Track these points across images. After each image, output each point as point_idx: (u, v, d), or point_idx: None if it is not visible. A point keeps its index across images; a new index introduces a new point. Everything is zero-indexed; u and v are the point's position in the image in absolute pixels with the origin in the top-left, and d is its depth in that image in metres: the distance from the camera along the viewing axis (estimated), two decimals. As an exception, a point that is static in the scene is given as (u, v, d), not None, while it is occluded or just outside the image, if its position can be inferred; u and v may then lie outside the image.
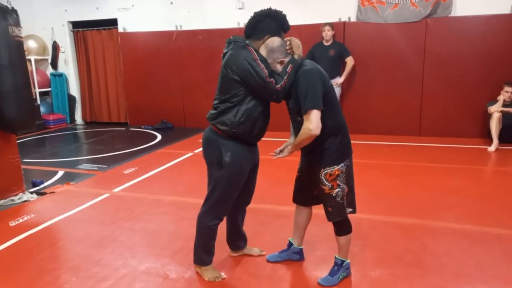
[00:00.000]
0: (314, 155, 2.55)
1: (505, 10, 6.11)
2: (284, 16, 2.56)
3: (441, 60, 6.49)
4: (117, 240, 3.40)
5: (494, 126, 5.78)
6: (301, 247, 2.96)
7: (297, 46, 2.53)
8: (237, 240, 3.03)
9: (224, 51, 2.60)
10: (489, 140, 6.01)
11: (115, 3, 8.31)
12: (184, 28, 7.91)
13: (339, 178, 2.50)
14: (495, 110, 5.82)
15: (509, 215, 3.66)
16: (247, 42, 2.52)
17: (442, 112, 6.64)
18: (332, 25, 6.52)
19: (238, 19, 7.52)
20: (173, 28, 7.98)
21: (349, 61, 6.61)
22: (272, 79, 2.41)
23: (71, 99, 9.12)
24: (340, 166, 2.50)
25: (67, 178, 5.06)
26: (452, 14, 6.39)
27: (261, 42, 2.53)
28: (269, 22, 2.51)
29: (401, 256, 3.00)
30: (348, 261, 2.73)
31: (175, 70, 8.08)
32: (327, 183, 2.51)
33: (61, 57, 8.99)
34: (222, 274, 2.80)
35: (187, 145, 6.76)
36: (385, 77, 6.80)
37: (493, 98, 6.05)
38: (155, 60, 8.15)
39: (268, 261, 2.98)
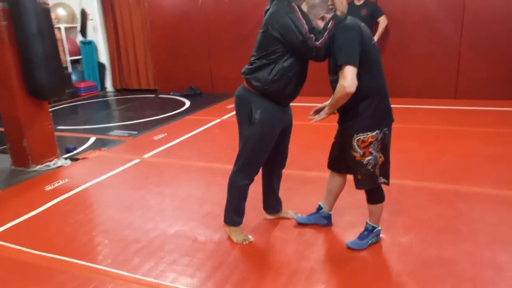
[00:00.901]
0: (348, 119, 2.47)
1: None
2: None
3: (481, 18, 6.10)
4: (147, 204, 3.47)
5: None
6: (330, 213, 2.93)
7: (340, 2, 2.39)
8: (274, 203, 3.05)
9: (266, 7, 2.56)
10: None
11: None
12: (211, -8, 7.76)
13: (372, 145, 2.40)
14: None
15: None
16: None
17: (481, 73, 6.31)
18: None
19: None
20: (200, -8, 7.84)
21: (382, 20, 6.33)
22: (312, 35, 2.35)
23: (101, 66, 9.22)
24: (375, 133, 2.39)
25: (99, 144, 5.18)
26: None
27: (304, 1, 2.46)
28: None
29: (432, 222, 2.93)
30: (379, 227, 2.68)
31: (202, 35, 7.99)
32: (358, 150, 2.42)
33: (89, 25, 9.03)
34: (250, 237, 2.83)
35: (215, 111, 6.75)
36: (419, 38, 6.48)
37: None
38: (182, 25, 8.07)
39: (296, 222, 2.98)
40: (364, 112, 2.38)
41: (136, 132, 5.68)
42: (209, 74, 8.20)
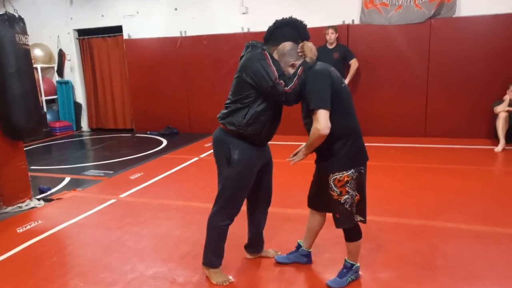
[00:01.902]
0: (324, 159, 2.54)
1: (509, 9, 6.07)
2: (304, 25, 2.58)
3: (446, 61, 6.47)
4: (125, 245, 3.40)
5: (501, 126, 5.74)
6: (309, 250, 2.94)
7: (309, 49, 2.51)
8: (257, 244, 3.04)
9: (242, 54, 2.65)
10: (495, 140, 5.96)
11: (120, 10, 8.37)
12: (189, 33, 7.95)
13: (348, 184, 2.46)
14: (502, 110, 5.78)
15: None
16: (264, 47, 2.57)
17: (447, 113, 6.61)
18: (335, 28, 6.52)
19: (242, 24, 7.56)
20: (177, 34, 8.02)
21: (353, 63, 6.61)
22: (281, 81, 2.42)
23: (77, 106, 9.18)
24: (350, 172, 2.45)
25: (74, 185, 5.08)
26: (456, 15, 6.37)
27: (276, 47, 2.57)
28: (287, 30, 2.55)
29: (410, 258, 2.97)
30: (358, 264, 2.71)
31: (180, 76, 8.12)
32: (335, 189, 2.48)
33: (67, 65, 9.07)
34: (230, 277, 2.80)
35: (192, 150, 6.77)
36: (390, 79, 6.78)
37: (499, 98, 6.01)
38: (160, 66, 8.19)
39: (276, 261, 2.98)
40: (339, 152, 2.45)
41: (112, 172, 5.62)
42: (187, 113, 8.26)
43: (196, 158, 6.18)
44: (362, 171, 2.51)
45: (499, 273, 2.72)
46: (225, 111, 2.64)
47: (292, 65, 2.51)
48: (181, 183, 5.08)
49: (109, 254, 3.25)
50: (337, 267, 2.73)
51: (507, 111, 5.75)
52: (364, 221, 2.61)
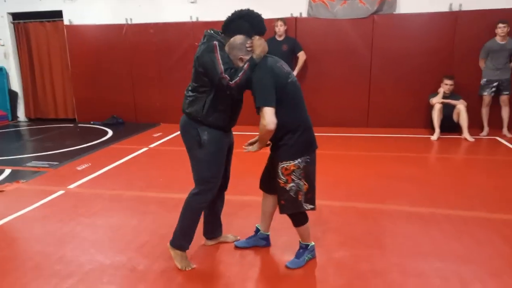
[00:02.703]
0: (275, 148, 2.65)
1: (444, 8, 6.53)
2: (259, 19, 2.61)
3: (387, 55, 6.83)
4: (79, 236, 3.31)
5: (436, 117, 6.19)
6: (267, 233, 3.05)
7: (258, 45, 2.55)
8: (215, 227, 3.09)
9: (200, 43, 2.66)
10: (431, 130, 6.42)
11: (59, -6, 7.95)
12: (135, 21, 7.73)
13: (294, 173, 2.57)
14: (437, 102, 6.22)
15: (455, 197, 3.97)
16: (219, 37, 2.60)
17: (388, 105, 6.99)
18: (284, 21, 6.66)
19: (191, 13, 7.47)
20: (123, 22, 7.76)
21: (301, 56, 6.79)
22: (226, 75, 2.47)
23: (12, 94, 8.63)
24: (296, 161, 2.57)
25: (16, 177, 4.82)
26: (397, 12, 6.73)
27: (229, 39, 2.60)
28: (241, 23, 2.58)
29: (362, 238, 3.18)
30: (313, 243, 2.85)
31: (126, 64, 7.88)
32: (282, 177, 2.59)
33: (0, 50, 8.47)
34: (192, 265, 2.84)
35: (140, 140, 6.64)
36: (335, 72, 7.03)
37: (434, 90, 6.46)
38: (104, 54, 7.90)
39: (236, 247, 3.06)
40: (288, 142, 2.56)
41: (57, 163, 5.38)
42: (132, 103, 8.05)
43: (145, 148, 6.08)
44: (309, 160, 2.61)
45: (441, 250, 2.97)
46: (186, 100, 2.71)
47: (241, 59, 2.56)
48: (132, 173, 4.98)
49: (62, 246, 3.15)
50: (295, 249, 2.86)
51: (441, 102, 6.20)
52: (314, 209, 2.72)
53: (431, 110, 6.40)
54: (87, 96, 8.17)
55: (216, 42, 2.54)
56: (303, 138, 2.59)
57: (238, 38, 2.56)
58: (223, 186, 2.98)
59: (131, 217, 3.68)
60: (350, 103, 7.13)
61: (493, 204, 3.76)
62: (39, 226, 3.52)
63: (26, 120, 8.76)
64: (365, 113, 7.16)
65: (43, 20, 8.20)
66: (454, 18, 6.49)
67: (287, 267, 2.78)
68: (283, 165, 2.57)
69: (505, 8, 6.15)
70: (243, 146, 2.76)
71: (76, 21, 7.98)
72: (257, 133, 2.62)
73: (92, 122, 8.08)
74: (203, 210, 2.92)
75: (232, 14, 2.62)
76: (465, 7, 6.43)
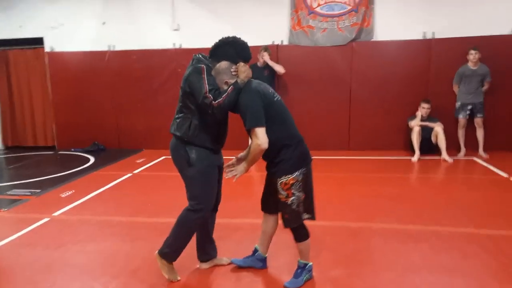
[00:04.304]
0: (271, 166, 2.72)
1: (418, 36, 6.84)
2: (244, 46, 2.76)
3: (366, 80, 7.06)
4: (69, 263, 3.24)
5: (415, 139, 6.39)
6: (265, 256, 3.06)
7: (242, 71, 2.68)
8: (209, 248, 3.08)
9: (188, 66, 2.78)
10: (411, 152, 6.60)
11: (42, 21, 7.93)
12: (118, 48, 7.77)
13: (293, 186, 2.64)
14: (415, 124, 6.44)
15: (440, 214, 4.08)
16: (206, 62, 2.74)
17: (368, 128, 7.17)
18: (270, 52, 6.75)
19: (174, 40, 7.58)
20: (105, 48, 7.80)
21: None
22: (210, 95, 2.58)
23: (-11, 122, 8.44)
24: (294, 175, 2.64)
25: (-3, 205, 4.69)
26: (374, 39, 7.01)
27: (216, 63, 2.73)
28: (227, 49, 2.73)
29: (354, 256, 3.23)
30: (311, 263, 2.88)
31: (108, 91, 7.86)
32: (282, 192, 2.65)
33: (-23, 78, 8.33)
34: (178, 277, 2.89)
35: (124, 166, 6.57)
36: (317, 97, 7.19)
37: (412, 114, 6.68)
38: (86, 80, 7.86)
39: (231, 263, 3.08)
40: (284, 158, 2.64)
41: (39, 190, 5.26)
42: (115, 129, 7.99)
43: (129, 174, 6.02)
44: (306, 172, 2.69)
45: (431, 265, 3.05)
46: (174, 123, 2.80)
47: (226, 83, 2.67)
48: (119, 199, 4.92)
49: (52, 274, 3.08)
50: (292, 269, 2.88)
51: (420, 125, 6.42)
52: (312, 218, 2.79)
53: (410, 133, 6.60)
54: (68, 122, 8.07)
55: (204, 66, 2.69)
56: (298, 152, 2.68)
57: (223, 64, 2.69)
58: (216, 206, 3.00)
59: (122, 242, 3.62)
60: (332, 127, 7.28)
61: (476, 220, 3.89)
62: (25, 254, 3.43)
63: (2, 147, 8.55)
64: (346, 136, 7.32)
65: (24, 47, 8.14)
66: (428, 45, 6.80)
67: (285, 287, 2.79)
68: (282, 181, 2.63)
69: (476, 36, 6.49)
70: (226, 176, 2.77)
71: (58, 48, 7.95)
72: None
73: (73, 149, 7.95)
74: (195, 232, 2.93)
75: (219, 41, 2.77)
76: (437, 35, 6.76)
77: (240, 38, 2.77)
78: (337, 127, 7.29)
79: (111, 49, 7.79)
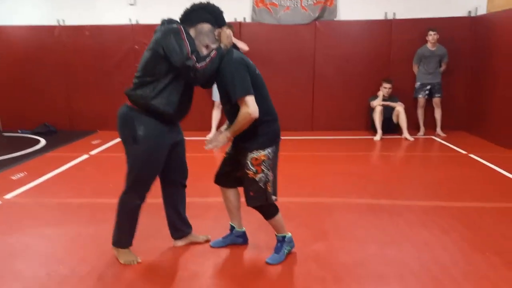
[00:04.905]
0: (242, 139, 2.58)
1: (380, 16, 6.91)
2: (219, 11, 2.60)
3: (329, 60, 7.05)
4: (30, 248, 2.97)
5: (377, 118, 6.48)
6: (243, 230, 2.95)
7: (226, 36, 2.54)
8: (179, 224, 2.92)
9: (156, 29, 2.57)
10: (372, 131, 6.71)
11: (-20, -9, 7.24)
12: (68, 23, 7.24)
13: (264, 163, 2.55)
14: (377, 104, 6.53)
15: (409, 189, 4.19)
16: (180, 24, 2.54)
17: (331, 108, 7.20)
18: (233, 29, 6.55)
19: (130, 15, 7.17)
20: (54, 23, 7.24)
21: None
22: (193, 57, 2.40)
23: None
24: (266, 151, 2.55)
25: None
26: (337, 19, 7.00)
27: (193, 28, 2.56)
28: (203, 13, 2.56)
29: (333, 230, 3.21)
30: (289, 234, 2.79)
31: (59, 69, 7.31)
32: (251, 167, 2.54)
33: None
34: (138, 258, 2.74)
35: (79, 147, 6.18)
36: (279, 76, 7.08)
37: (374, 94, 6.77)
38: (34, 58, 7.25)
39: (211, 247, 2.92)
40: (259, 132, 2.54)
41: (-15, 173, 4.83)
42: (66, 110, 7.49)
43: (86, 156, 5.66)
44: (275, 151, 2.62)
45: (411, 238, 3.08)
46: (132, 86, 2.55)
47: (207, 46, 2.53)
48: (78, 181, 4.60)
49: (14, 260, 2.80)
50: (273, 244, 2.79)
51: (382, 105, 6.52)
52: (276, 200, 2.68)
53: (371, 113, 6.69)
54: (14, 103, 7.45)
55: (180, 26, 2.48)
56: (273, 128, 2.60)
57: (205, 26, 2.54)
58: (181, 182, 2.87)
59: (87, 225, 3.38)
60: (295, 107, 7.24)
61: (444, 194, 4.00)
62: (-22, 240, 3.10)
63: None
64: (310, 117, 7.31)
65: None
66: (389, 25, 6.88)
67: (267, 263, 2.70)
68: (253, 155, 2.53)
69: (434, 17, 6.65)
70: (206, 146, 2.61)
71: (2, 22, 7.29)
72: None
73: (20, 131, 7.38)
74: (136, 215, 2.72)
75: (193, 5, 2.59)
76: (398, 16, 6.86)
77: (213, 4, 2.60)
78: (300, 108, 7.26)
79: (61, 23, 7.25)
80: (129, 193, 2.63)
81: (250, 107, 2.41)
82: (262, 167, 2.54)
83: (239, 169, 2.64)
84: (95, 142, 6.51)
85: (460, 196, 3.95)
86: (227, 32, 2.54)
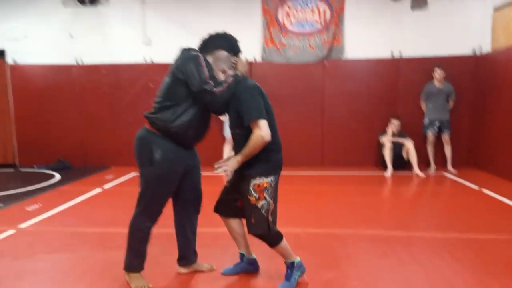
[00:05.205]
0: (246, 166, 2.60)
1: (386, 54, 7.10)
2: (235, 40, 2.75)
3: (338, 98, 7.20)
4: (41, 272, 3.00)
5: (388, 154, 6.52)
6: (253, 257, 2.94)
7: (243, 64, 2.70)
8: (187, 252, 2.93)
9: (176, 57, 2.68)
10: (382, 168, 6.72)
11: (3, 33, 7.62)
12: (86, 62, 7.55)
13: (266, 190, 2.58)
14: (387, 140, 6.58)
15: (425, 222, 4.19)
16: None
17: (340, 145, 7.27)
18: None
19: (144, 54, 7.46)
20: (73, 62, 7.56)
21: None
22: (211, 81, 2.51)
23: None
24: (269, 179, 2.59)
25: (-46, 219, 4.31)
26: (344, 57, 7.21)
27: (210, 55, 2.68)
28: (220, 41, 2.71)
29: (345, 259, 3.19)
30: (298, 259, 2.77)
31: (75, 106, 7.56)
32: (254, 194, 2.57)
33: None
34: (150, 284, 2.72)
35: (93, 181, 6.27)
36: (290, 113, 7.22)
37: (383, 130, 6.84)
38: (51, 95, 7.54)
39: (223, 274, 2.91)
40: (263, 159, 2.59)
41: (1, 205, 4.91)
42: (81, 146, 7.66)
43: (99, 189, 5.74)
44: (277, 181, 2.66)
45: (424, 264, 3.05)
46: (153, 109, 2.64)
47: (224, 71, 2.65)
48: (91, 212, 4.66)
49: (24, 283, 2.82)
50: (284, 271, 2.77)
51: (391, 141, 6.57)
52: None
53: (381, 149, 6.74)
54: (31, 139, 7.67)
55: (199, 54, 2.61)
56: (277, 158, 2.66)
57: (223, 52, 2.67)
58: (195, 206, 2.90)
59: (99, 251, 3.41)
60: (305, 144, 7.32)
61: (458, 226, 3.97)
62: (-7, 265, 3.14)
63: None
64: (320, 153, 7.37)
65: (-16, 59, 7.77)
66: (396, 64, 7.06)
67: (279, 290, 2.68)
68: (256, 182, 2.56)
69: (440, 56, 6.82)
70: (215, 171, 2.63)
71: (21, 61, 7.63)
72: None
73: (36, 166, 7.53)
74: (146, 238, 2.75)
75: (210, 34, 2.74)
76: (405, 54, 7.04)
77: (229, 33, 2.76)
78: (310, 145, 7.35)
79: (79, 62, 7.56)
80: (141, 216, 2.67)
81: (263, 130, 2.49)
82: (265, 194, 2.57)
83: (239, 198, 2.68)
84: (108, 176, 6.61)
85: (473, 227, 3.91)
86: (243, 61, 2.68)
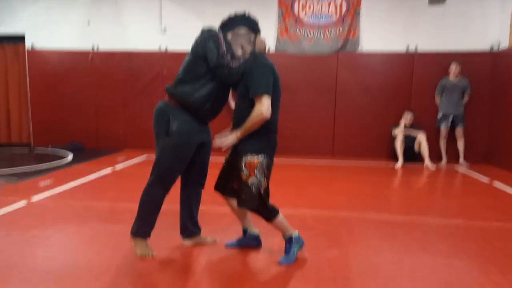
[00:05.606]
0: (242, 140, 2.63)
1: (402, 48, 7.05)
2: (256, 20, 2.81)
3: (351, 89, 7.18)
4: (51, 240, 3.07)
5: (399, 146, 6.49)
6: (256, 233, 2.98)
7: (261, 42, 2.74)
8: (190, 224, 2.98)
9: (197, 36, 2.76)
10: (393, 160, 6.68)
11: (24, 18, 7.78)
12: (102, 48, 7.67)
13: (257, 168, 2.60)
14: (399, 132, 6.55)
15: (433, 209, 4.17)
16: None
17: (352, 136, 7.26)
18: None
19: (160, 43, 7.54)
20: (89, 48, 7.68)
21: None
22: (228, 56, 2.60)
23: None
24: (260, 157, 2.61)
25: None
26: (359, 50, 7.18)
27: (230, 32, 2.75)
28: (240, 19, 2.78)
29: (349, 240, 3.20)
30: (295, 232, 2.80)
31: (89, 91, 7.69)
32: (245, 170, 2.61)
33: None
34: (154, 252, 2.79)
35: (105, 162, 6.38)
36: (302, 103, 7.25)
37: (395, 123, 6.80)
38: (67, 80, 7.69)
39: (226, 246, 2.97)
40: (258, 137, 2.62)
41: (15, 178, 5.03)
42: (94, 129, 7.81)
43: (110, 168, 5.84)
44: (270, 161, 2.67)
45: (428, 249, 3.05)
46: (174, 83, 2.73)
47: (242, 47, 2.70)
48: (101, 189, 4.75)
49: (33, 248, 2.90)
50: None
51: (404, 133, 6.53)
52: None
53: (393, 141, 6.71)
54: (46, 121, 7.83)
55: (218, 32, 2.71)
56: (272, 139, 2.69)
57: (243, 29, 2.73)
58: (200, 181, 2.96)
59: (106, 223, 3.49)
60: (316, 134, 7.34)
61: (465, 214, 3.94)
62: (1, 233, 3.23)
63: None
64: (331, 143, 7.37)
65: (3, 43, 7.94)
66: (411, 58, 7.01)
67: (280, 264, 2.71)
68: (247, 158, 2.59)
69: (456, 52, 6.75)
70: (216, 144, 2.69)
71: (39, 46, 7.78)
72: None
73: (50, 146, 7.69)
74: (180, 205, 2.89)
75: (230, 15, 2.79)
76: (420, 49, 6.98)
77: (249, 14, 2.81)
78: (321, 134, 7.35)
79: (95, 49, 7.68)
80: (154, 184, 2.73)
81: (265, 105, 2.52)
82: (255, 171, 2.59)
83: (234, 179, 2.73)
84: (120, 158, 6.71)
85: (480, 215, 3.89)
86: (263, 40, 2.73)
